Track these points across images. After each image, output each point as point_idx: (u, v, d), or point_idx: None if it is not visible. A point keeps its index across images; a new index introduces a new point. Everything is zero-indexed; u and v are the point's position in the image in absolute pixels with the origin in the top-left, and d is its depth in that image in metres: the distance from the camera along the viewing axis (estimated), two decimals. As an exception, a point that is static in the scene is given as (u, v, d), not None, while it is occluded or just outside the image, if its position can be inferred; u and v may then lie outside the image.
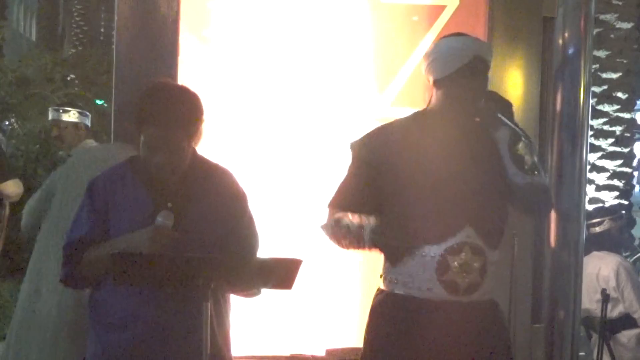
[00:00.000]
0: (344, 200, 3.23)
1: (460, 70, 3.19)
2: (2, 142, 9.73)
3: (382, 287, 3.28)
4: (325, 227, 3.23)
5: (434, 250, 3.14)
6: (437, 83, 3.25)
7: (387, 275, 3.25)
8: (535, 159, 3.24)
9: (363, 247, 3.13)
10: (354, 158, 3.26)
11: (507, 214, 3.30)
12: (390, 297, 3.22)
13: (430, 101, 3.31)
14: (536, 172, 3.22)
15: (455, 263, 3.14)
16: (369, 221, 3.08)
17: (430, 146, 3.20)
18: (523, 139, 3.20)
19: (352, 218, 3.11)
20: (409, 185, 3.16)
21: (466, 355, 3.17)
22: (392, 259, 3.22)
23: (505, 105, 3.21)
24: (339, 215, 3.17)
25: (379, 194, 3.19)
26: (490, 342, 3.25)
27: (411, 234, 3.15)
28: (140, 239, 2.96)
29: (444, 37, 3.37)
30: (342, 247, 3.17)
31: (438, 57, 3.23)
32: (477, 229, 3.17)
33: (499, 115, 3.17)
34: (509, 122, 3.17)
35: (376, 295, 3.31)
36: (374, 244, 3.11)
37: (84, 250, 3.06)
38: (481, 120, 3.24)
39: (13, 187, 5.78)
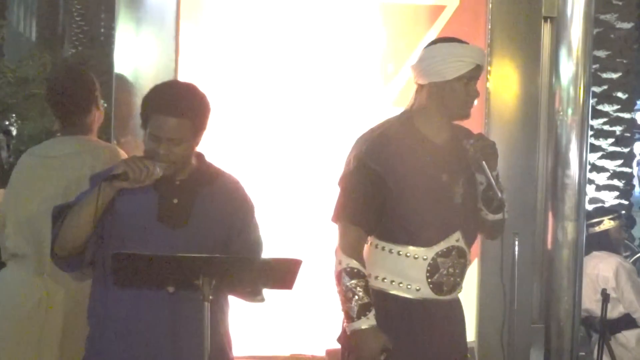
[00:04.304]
0: (359, 214, 3.23)
1: (461, 76, 3.22)
2: (2, 141, 9.70)
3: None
4: (338, 261, 3.23)
5: (426, 253, 3.23)
6: (431, 85, 3.25)
7: (374, 273, 3.27)
8: (503, 197, 3.28)
9: (346, 319, 3.22)
10: (359, 168, 3.24)
11: (480, 218, 3.37)
12: (380, 295, 3.25)
13: (416, 101, 3.32)
14: (499, 212, 3.32)
15: (444, 265, 3.25)
16: (364, 320, 3.15)
17: (424, 152, 3.26)
18: (491, 193, 3.25)
19: (359, 291, 3.16)
20: (408, 190, 3.21)
21: (448, 348, 3.31)
22: (385, 259, 3.26)
23: (492, 154, 3.24)
24: (357, 269, 3.18)
25: (385, 200, 3.22)
26: (461, 335, 3.41)
27: (407, 236, 3.23)
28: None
29: (440, 41, 3.35)
30: (336, 285, 3.25)
31: (438, 61, 3.23)
32: (463, 233, 3.28)
33: (483, 164, 3.22)
34: (489, 175, 3.22)
35: None
36: (349, 337, 3.21)
37: None
38: (468, 159, 3.28)
39: None
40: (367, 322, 3.16)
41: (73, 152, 3.76)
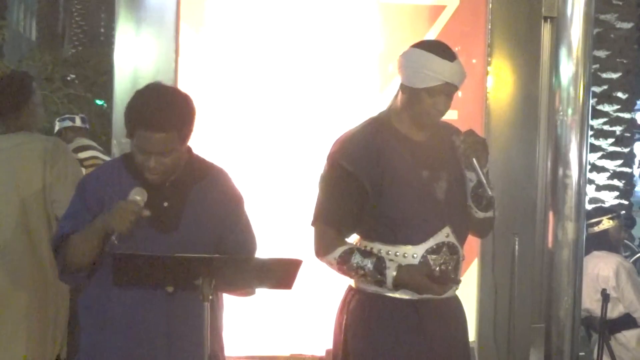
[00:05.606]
0: (334, 215, 3.23)
1: (429, 88, 3.18)
2: None
3: (354, 285, 3.29)
4: (328, 262, 3.23)
5: (416, 251, 3.20)
6: (403, 87, 3.25)
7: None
8: (492, 195, 3.27)
9: (378, 285, 3.20)
10: (332, 168, 3.24)
11: (470, 212, 3.34)
12: (374, 298, 3.23)
13: (395, 99, 3.31)
14: (490, 210, 3.31)
15: (436, 262, 3.21)
16: (389, 271, 3.14)
17: (402, 149, 3.23)
18: (480, 190, 3.23)
19: (362, 260, 3.17)
20: (387, 188, 3.19)
21: (448, 347, 3.25)
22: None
23: (482, 150, 3.21)
24: (343, 250, 3.19)
25: (365, 201, 3.20)
26: (462, 335, 3.36)
27: (393, 235, 3.20)
28: (110, 214, 2.95)
29: (423, 46, 3.28)
30: (349, 277, 3.26)
31: (410, 67, 3.21)
32: (453, 229, 3.25)
33: (474, 161, 3.19)
34: (480, 172, 3.19)
35: (351, 294, 3.31)
36: (398, 287, 3.18)
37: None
38: (458, 156, 3.25)
39: None
40: (392, 268, 3.14)
41: (18, 143, 4.01)
